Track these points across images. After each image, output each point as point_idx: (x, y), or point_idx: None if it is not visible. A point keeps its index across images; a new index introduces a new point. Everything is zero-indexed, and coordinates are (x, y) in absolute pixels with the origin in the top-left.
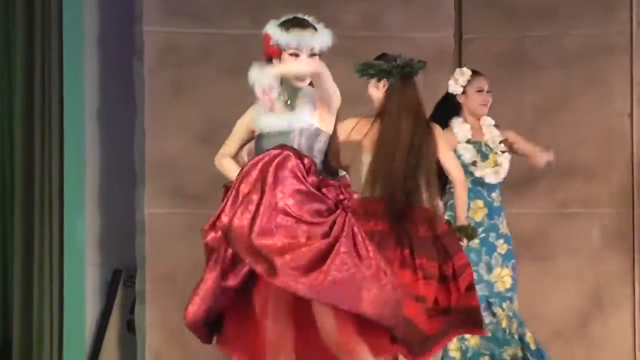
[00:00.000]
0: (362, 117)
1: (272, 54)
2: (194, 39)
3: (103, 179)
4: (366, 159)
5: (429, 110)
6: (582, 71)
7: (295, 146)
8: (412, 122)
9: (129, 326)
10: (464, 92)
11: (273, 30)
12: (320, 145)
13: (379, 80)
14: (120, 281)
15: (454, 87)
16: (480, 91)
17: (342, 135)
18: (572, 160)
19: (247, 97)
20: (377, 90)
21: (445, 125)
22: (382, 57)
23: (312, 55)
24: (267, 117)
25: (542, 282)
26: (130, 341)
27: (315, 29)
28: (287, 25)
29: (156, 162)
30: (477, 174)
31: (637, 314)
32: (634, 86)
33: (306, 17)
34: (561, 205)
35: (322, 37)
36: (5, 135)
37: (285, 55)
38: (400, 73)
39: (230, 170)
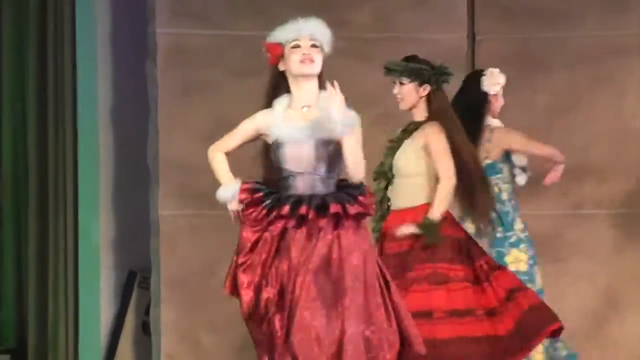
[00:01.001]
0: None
1: (276, 55)
2: (205, 40)
3: (117, 180)
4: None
5: None
6: (594, 72)
7: (314, 157)
8: (458, 128)
9: (144, 328)
10: (495, 94)
11: (269, 36)
12: (338, 154)
13: (420, 85)
14: (135, 283)
15: (494, 87)
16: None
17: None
18: (585, 161)
19: (255, 98)
20: (416, 94)
21: (475, 124)
22: (413, 59)
23: (314, 46)
24: (287, 126)
25: (557, 283)
26: (145, 343)
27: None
28: (280, 25)
29: (169, 163)
30: (521, 181)
31: None
32: None
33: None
34: (575, 206)
35: (319, 25)
36: (19, 137)
37: (288, 50)
38: (442, 80)
39: (220, 170)
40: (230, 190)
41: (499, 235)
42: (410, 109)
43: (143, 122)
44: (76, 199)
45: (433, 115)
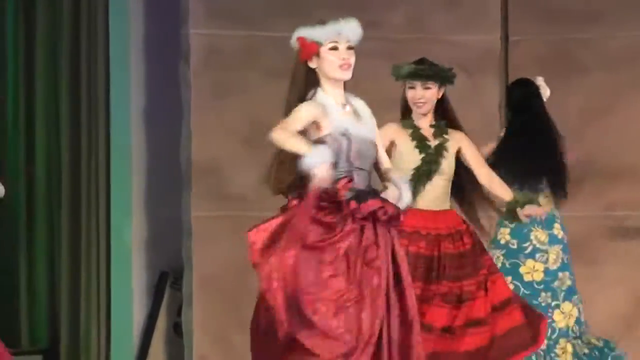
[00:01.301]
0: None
1: (310, 53)
2: (239, 41)
3: (149, 181)
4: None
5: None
6: (629, 74)
7: (373, 155)
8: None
9: (176, 329)
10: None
11: (305, 32)
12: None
13: (440, 87)
14: (167, 283)
15: (547, 94)
16: None
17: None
18: (619, 163)
19: None
20: (436, 97)
21: (550, 134)
22: (424, 61)
23: (350, 48)
24: (352, 122)
25: (589, 286)
26: (177, 344)
27: (349, 21)
28: (317, 24)
29: (202, 164)
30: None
31: None
32: None
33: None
34: (608, 208)
35: (354, 25)
36: (52, 138)
37: (324, 51)
38: (450, 81)
39: (299, 141)
40: (319, 154)
41: (513, 247)
42: (426, 113)
43: (176, 124)
44: (109, 200)
45: (452, 120)
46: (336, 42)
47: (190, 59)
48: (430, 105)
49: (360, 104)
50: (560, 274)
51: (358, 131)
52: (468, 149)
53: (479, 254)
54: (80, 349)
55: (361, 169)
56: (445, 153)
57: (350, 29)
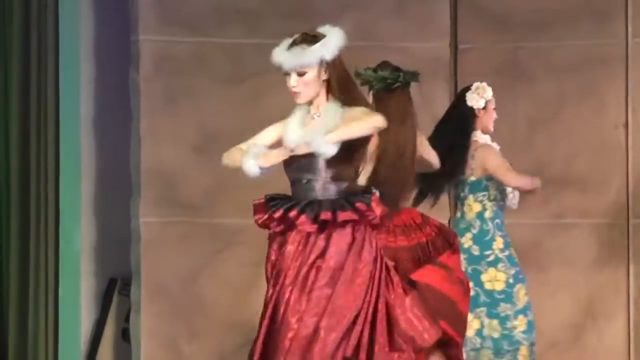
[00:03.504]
0: None
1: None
2: (189, 48)
3: (99, 187)
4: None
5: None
6: (577, 82)
7: (314, 163)
8: (398, 131)
9: (124, 335)
10: (484, 107)
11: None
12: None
13: (369, 90)
14: (116, 290)
15: (478, 101)
16: (494, 109)
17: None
18: (567, 170)
19: (240, 107)
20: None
21: (460, 140)
22: (383, 65)
23: (301, 74)
24: (296, 133)
25: (537, 292)
26: (125, 350)
27: (305, 44)
28: (290, 44)
29: (151, 171)
30: (512, 199)
31: (632, 325)
32: (629, 97)
33: (313, 32)
34: (556, 215)
35: (306, 55)
36: (1, 144)
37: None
38: (384, 84)
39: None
40: (251, 154)
41: (475, 253)
42: None
43: (126, 130)
44: (58, 207)
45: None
46: (285, 70)
47: (140, 65)
48: None
49: (327, 109)
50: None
51: (302, 138)
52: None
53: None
54: (28, 355)
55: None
56: None
57: (294, 58)
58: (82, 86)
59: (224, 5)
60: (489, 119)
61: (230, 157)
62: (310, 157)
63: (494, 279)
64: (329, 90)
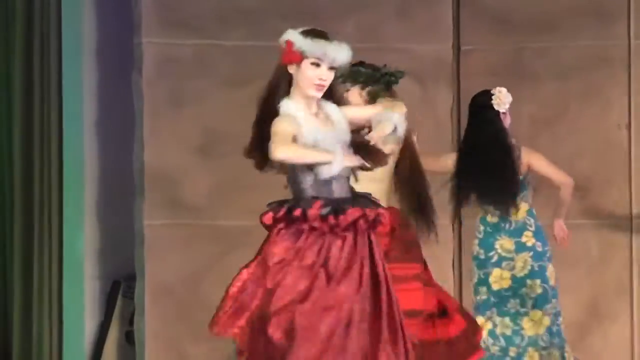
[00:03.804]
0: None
1: (292, 60)
2: (192, 50)
3: (102, 190)
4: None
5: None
6: (580, 83)
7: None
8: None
9: (128, 337)
10: (504, 112)
11: (296, 37)
12: None
13: (362, 88)
14: (119, 292)
15: (504, 105)
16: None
17: None
18: (570, 171)
19: (244, 109)
20: (359, 98)
21: (506, 139)
22: (361, 64)
23: (331, 68)
24: (323, 131)
25: None
26: (129, 352)
27: (337, 42)
28: (310, 34)
29: (155, 173)
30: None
31: (636, 325)
32: (632, 98)
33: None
34: None
35: (344, 52)
36: (4, 147)
37: (305, 63)
38: (386, 81)
39: (314, 151)
40: (339, 158)
41: (539, 249)
42: None
43: (129, 132)
44: (61, 209)
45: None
46: (319, 60)
47: (143, 68)
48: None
49: (332, 109)
50: (528, 282)
51: (329, 138)
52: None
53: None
54: (33, 357)
55: (332, 177)
56: None
57: (337, 52)
58: (85, 89)
59: (226, 7)
60: (507, 123)
61: (297, 153)
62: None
63: (552, 274)
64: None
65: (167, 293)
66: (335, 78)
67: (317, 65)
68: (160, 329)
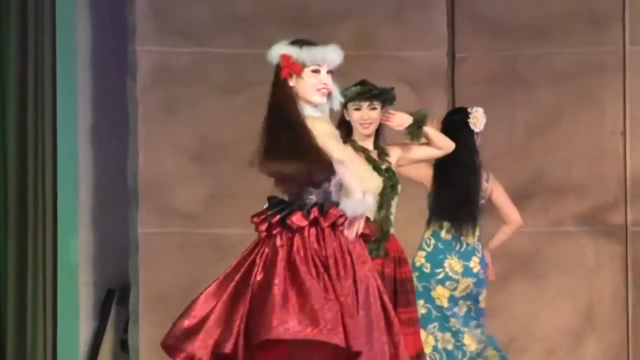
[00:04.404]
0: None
1: (294, 72)
2: (187, 58)
3: (96, 198)
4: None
5: None
6: (575, 89)
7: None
8: None
9: (123, 346)
10: (477, 133)
11: (290, 50)
12: None
13: (382, 107)
14: (114, 301)
15: (481, 125)
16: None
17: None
18: (566, 178)
19: (239, 117)
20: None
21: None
22: (365, 83)
23: (329, 71)
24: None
25: (536, 300)
26: None
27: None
28: (301, 44)
29: (149, 181)
30: None
31: (631, 331)
32: (626, 104)
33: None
34: (555, 223)
35: (338, 53)
36: None
37: (306, 72)
38: (387, 100)
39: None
40: (366, 203)
41: (481, 276)
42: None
43: (123, 140)
44: (55, 217)
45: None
46: (319, 66)
47: (137, 75)
48: (375, 126)
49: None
50: (467, 302)
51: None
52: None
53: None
54: None
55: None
56: (395, 173)
57: (334, 55)
58: (80, 97)
59: (221, 15)
60: (480, 142)
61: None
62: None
63: (484, 299)
64: None
65: (161, 301)
66: (365, 94)
67: (317, 71)
68: (154, 337)
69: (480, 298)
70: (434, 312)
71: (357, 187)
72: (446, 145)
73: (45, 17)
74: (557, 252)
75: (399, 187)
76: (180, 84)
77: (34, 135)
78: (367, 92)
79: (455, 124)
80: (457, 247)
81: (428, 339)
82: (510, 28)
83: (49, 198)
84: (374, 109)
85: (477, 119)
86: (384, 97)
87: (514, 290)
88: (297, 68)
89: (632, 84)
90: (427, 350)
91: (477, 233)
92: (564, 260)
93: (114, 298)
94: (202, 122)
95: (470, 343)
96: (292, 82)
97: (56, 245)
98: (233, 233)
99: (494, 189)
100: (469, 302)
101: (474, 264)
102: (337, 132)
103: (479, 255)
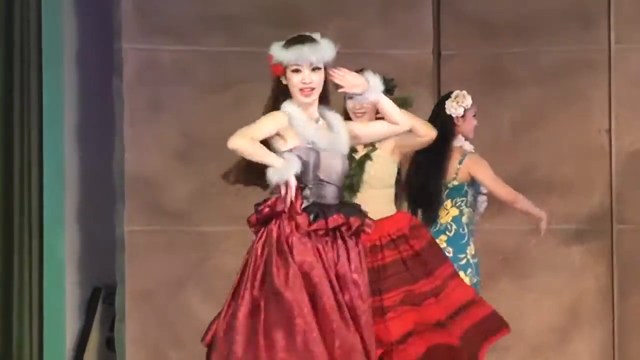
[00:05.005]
0: None
1: (277, 73)
2: (173, 56)
3: (82, 196)
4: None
5: None
6: (561, 88)
7: (341, 169)
8: None
9: (109, 344)
10: (463, 115)
11: (274, 50)
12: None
13: None
14: (100, 299)
15: (457, 109)
16: (474, 116)
17: None
18: (551, 176)
19: (224, 114)
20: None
21: (441, 147)
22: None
23: (315, 69)
24: (322, 136)
25: (522, 298)
26: (110, 359)
27: (315, 42)
28: (288, 42)
29: (135, 179)
30: (482, 206)
31: (616, 330)
32: (612, 102)
33: (310, 34)
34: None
35: (321, 50)
36: None
37: (289, 72)
38: (390, 87)
39: (265, 151)
40: (288, 165)
41: (449, 255)
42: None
43: (109, 138)
44: (41, 215)
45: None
46: (298, 65)
47: (123, 74)
48: (370, 114)
49: (334, 117)
50: None
51: (328, 145)
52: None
53: (432, 256)
54: None
55: (329, 182)
56: (370, 163)
57: (314, 52)
58: (66, 95)
59: (207, 13)
60: (468, 127)
61: (250, 148)
62: (343, 163)
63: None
64: (324, 95)
65: (147, 299)
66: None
67: (298, 71)
68: (140, 334)
69: None
70: None
71: (271, 159)
72: (428, 132)
73: (31, 15)
74: (542, 250)
75: (369, 179)
76: (166, 82)
77: (20, 134)
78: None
79: (437, 105)
80: (431, 228)
81: None
82: (496, 26)
83: (35, 196)
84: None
85: (457, 102)
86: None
87: (499, 289)
88: (277, 69)
89: (617, 82)
90: None
91: (455, 213)
92: (550, 258)
93: (100, 296)
94: (188, 120)
95: None
96: (284, 81)
97: (42, 244)
98: (219, 231)
99: (474, 171)
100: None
101: (440, 241)
102: (267, 129)
103: (449, 234)
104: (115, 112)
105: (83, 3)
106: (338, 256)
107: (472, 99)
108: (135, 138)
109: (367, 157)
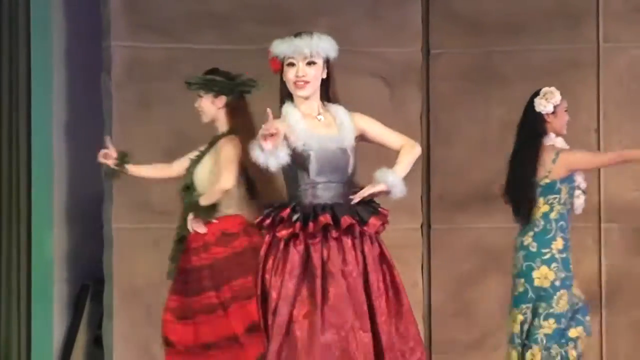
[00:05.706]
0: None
1: (276, 68)
2: (161, 53)
3: (71, 193)
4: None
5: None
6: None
7: (350, 168)
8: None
9: (97, 341)
10: (554, 112)
11: (273, 45)
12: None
13: (216, 96)
14: (88, 296)
15: (545, 106)
16: (566, 111)
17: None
18: None
19: None
20: (212, 106)
21: (532, 145)
22: (214, 71)
23: (310, 63)
24: (318, 135)
25: (510, 296)
26: (98, 356)
27: (311, 36)
28: (286, 38)
29: (123, 176)
30: (578, 202)
31: (604, 327)
32: (600, 101)
33: (312, 32)
34: None
35: (315, 43)
36: None
37: (285, 67)
38: (240, 91)
39: None
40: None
41: (532, 249)
42: (213, 121)
43: (98, 135)
44: (30, 212)
45: (232, 128)
46: (293, 59)
47: (112, 71)
48: (208, 114)
49: (339, 112)
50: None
51: (321, 143)
52: (222, 154)
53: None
54: None
55: (325, 182)
56: (198, 167)
57: (309, 45)
58: (55, 92)
59: (196, 10)
60: (559, 123)
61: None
62: (344, 159)
63: (544, 276)
64: (327, 91)
65: (135, 296)
66: (189, 85)
67: (292, 64)
68: (128, 332)
69: (535, 274)
70: (530, 293)
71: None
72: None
73: (19, 12)
74: None
75: (199, 182)
76: (154, 80)
77: (8, 131)
78: (189, 82)
79: (527, 104)
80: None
81: (517, 317)
82: (485, 24)
83: (23, 193)
84: (200, 97)
85: (545, 99)
86: (207, 88)
87: (488, 286)
88: (275, 63)
89: (606, 81)
90: (516, 329)
91: (546, 210)
92: None
93: (88, 293)
94: (177, 118)
95: (509, 324)
96: (284, 77)
97: (30, 241)
98: None
99: (572, 165)
100: (522, 280)
101: (527, 238)
102: None
103: (536, 230)
104: (104, 109)
105: (71, 1)
106: (329, 256)
107: (460, 98)
108: (124, 135)
109: (198, 159)
